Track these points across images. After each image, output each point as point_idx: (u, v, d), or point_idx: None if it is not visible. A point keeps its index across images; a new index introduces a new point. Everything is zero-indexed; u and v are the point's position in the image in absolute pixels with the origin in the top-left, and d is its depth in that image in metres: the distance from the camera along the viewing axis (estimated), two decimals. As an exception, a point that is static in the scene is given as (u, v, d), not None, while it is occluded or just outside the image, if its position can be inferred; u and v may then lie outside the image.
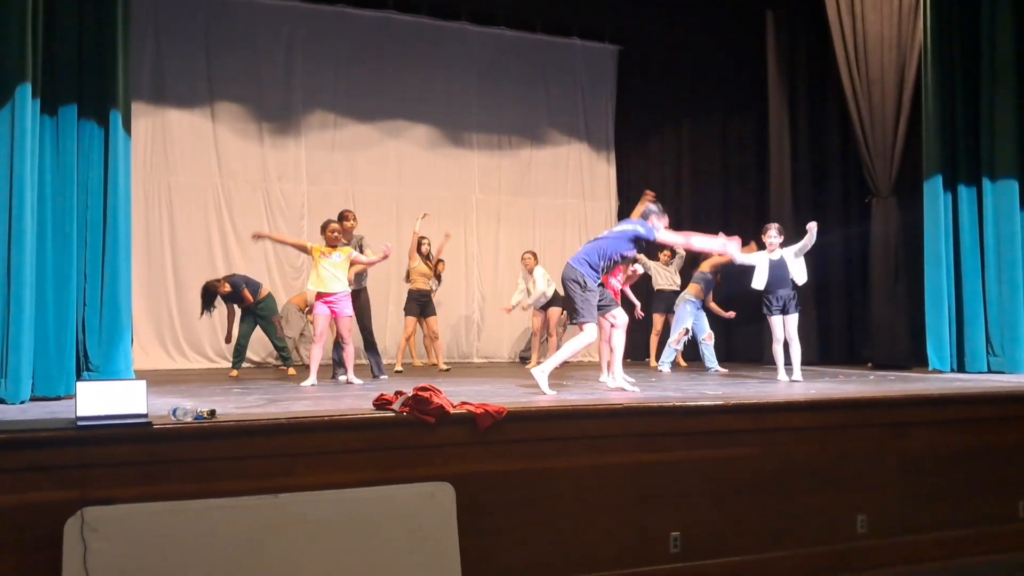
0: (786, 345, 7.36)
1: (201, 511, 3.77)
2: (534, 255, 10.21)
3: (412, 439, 4.27)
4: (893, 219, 9.09)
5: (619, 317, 6.32)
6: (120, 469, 3.80)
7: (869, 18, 9.03)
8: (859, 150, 9.20)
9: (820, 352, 10.02)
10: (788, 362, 7.33)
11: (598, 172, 12.87)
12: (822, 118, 10.36)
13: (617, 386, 6.31)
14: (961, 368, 8.07)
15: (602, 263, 6.06)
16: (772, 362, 7.68)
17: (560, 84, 12.66)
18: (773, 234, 7.35)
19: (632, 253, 6.28)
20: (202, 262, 10.55)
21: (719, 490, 4.84)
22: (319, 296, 7.15)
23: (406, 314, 9.77)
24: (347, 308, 7.23)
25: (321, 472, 4.08)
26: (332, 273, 7.12)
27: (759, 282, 7.33)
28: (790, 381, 7.09)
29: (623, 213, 12.64)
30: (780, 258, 7.31)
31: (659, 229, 6.16)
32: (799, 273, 7.29)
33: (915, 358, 8.72)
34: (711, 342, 9.10)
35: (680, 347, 9.09)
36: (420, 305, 9.73)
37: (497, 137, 12.32)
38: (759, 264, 7.33)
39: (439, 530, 4.11)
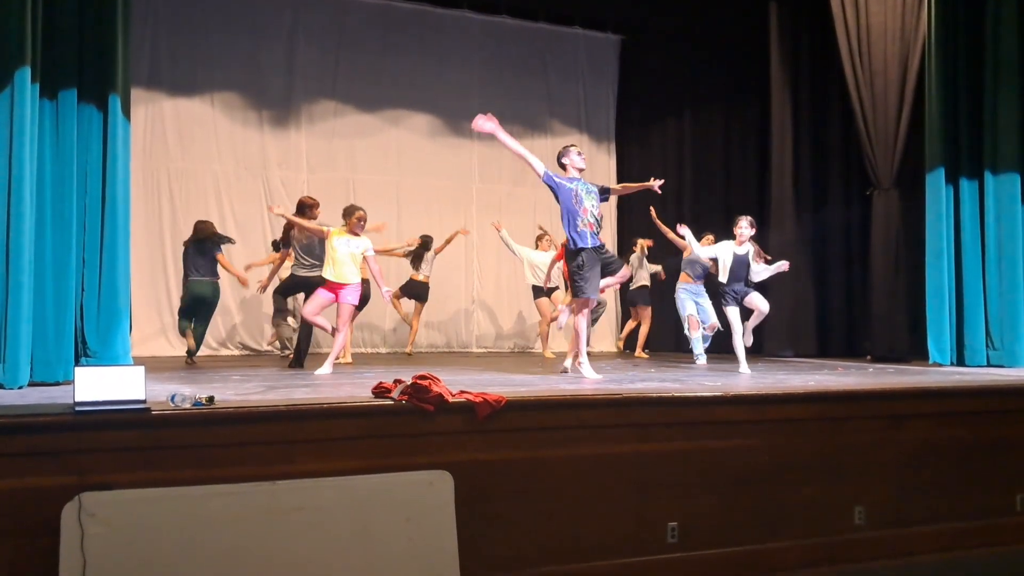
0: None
1: (199, 497, 3.77)
2: None
3: (411, 427, 4.26)
4: (894, 212, 9.07)
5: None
6: (118, 455, 3.79)
7: (873, 10, 8.99)
8: (861, 142, 9.17)
9: (819, 344, 10.02)
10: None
11: (598, 163, 12.80)
12: (824, 110, 10.33)
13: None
14: (960, 362, 8.06)
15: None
16: (767, 353, 7.71)
17: (561, 74, 12.62)
18: (744, 226, 7.31)
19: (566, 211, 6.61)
20: (201, 249, 10.52)
21: (717, 481, 4.83)
22: (330, 285, 7.08)
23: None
24: (353, 297, 7.16)
25: (319, 459, 4.07)
26: (349, 262, 7.06)
27: (723, 274, 7.37)
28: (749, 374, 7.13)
29: (622, 204, 12.63)
30: (746, 253, 7.30)
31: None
32: (759, 273, 7.30)
33: (914, 351, 8.71)
34: (711, 333, 9.02)
35: (697, 334, 8.93)
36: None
37: (498, 126, 12.28)
38: (722, 256, 7.36)
39: (437, 518, 4.11)
